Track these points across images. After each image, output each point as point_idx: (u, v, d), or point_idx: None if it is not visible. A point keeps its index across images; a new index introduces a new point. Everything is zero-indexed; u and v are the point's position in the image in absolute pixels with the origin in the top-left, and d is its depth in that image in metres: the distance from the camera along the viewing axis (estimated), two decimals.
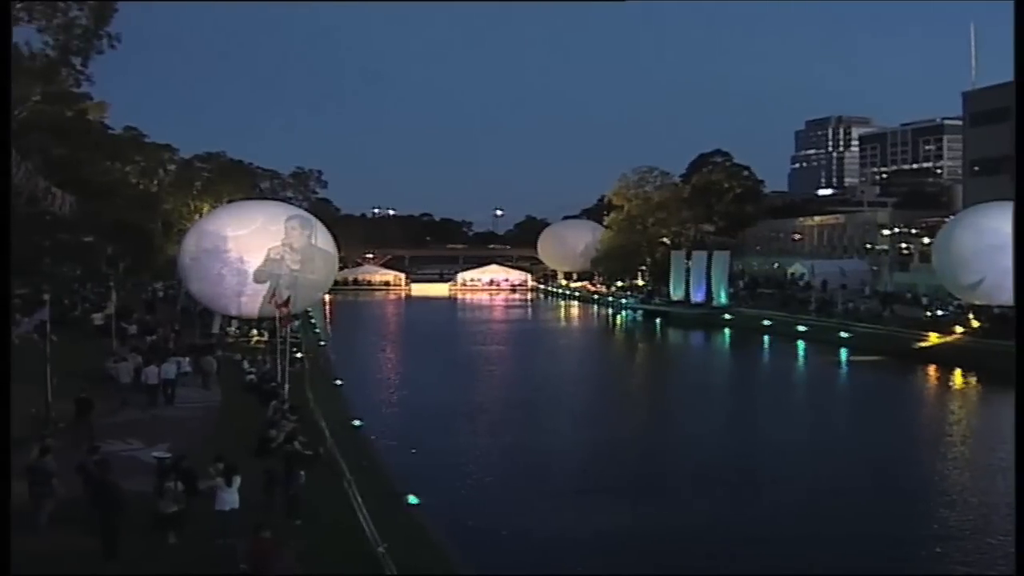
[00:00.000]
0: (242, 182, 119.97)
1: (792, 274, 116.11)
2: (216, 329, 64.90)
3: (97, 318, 63.89)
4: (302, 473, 25.30)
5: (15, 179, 25.66)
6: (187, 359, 47.04)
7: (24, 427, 31.05)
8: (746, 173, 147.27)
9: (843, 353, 73.10)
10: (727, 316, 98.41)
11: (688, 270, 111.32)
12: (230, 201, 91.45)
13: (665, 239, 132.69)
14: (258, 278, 60.28)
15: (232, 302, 62.38)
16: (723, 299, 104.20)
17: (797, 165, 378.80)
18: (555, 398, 55.74)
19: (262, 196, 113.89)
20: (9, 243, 16.56)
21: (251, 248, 61.17)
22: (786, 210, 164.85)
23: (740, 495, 33.61)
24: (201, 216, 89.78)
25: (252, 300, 61.04)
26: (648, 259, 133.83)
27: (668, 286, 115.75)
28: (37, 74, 63.96)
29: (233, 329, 65.33)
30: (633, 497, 33.21)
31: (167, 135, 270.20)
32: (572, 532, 28.70)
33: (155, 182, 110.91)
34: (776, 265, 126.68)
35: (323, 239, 65.15)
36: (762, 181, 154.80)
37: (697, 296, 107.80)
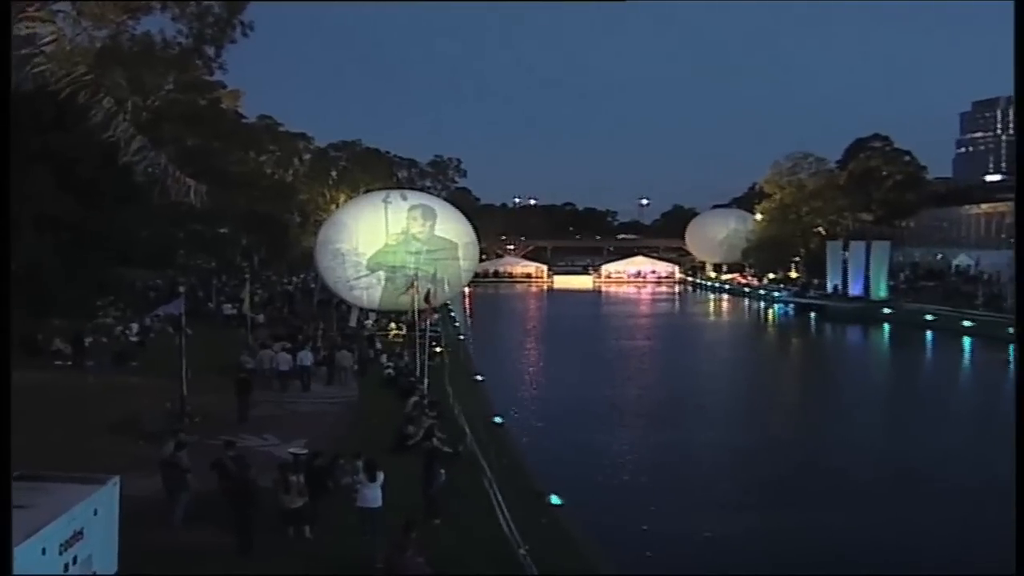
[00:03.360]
0: (379, 171, 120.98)
1: (957, 266, 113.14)
2: (353, 322, 65.66)
3: (227, 308, 65.37)
4: (443, 472, 25.37)
5: (142, 164, 26.13)
6: (311, 349, 48.15)
7: (159, 421, 31.96)
8: (907, 158, 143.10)
9: (1012, 350, 70.75)
10: (886, 310, 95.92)
11: (845, 262, 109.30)
12: (367, 191, 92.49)
13: (820, 229, 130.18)
14: (372, 267, 61.18)
15: (346, 294, 63.43)
16: (882, 292, 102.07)
17: (963, 150, 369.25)
18: (703, 396, 54.83)
19: (399, 185, 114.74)
20: (9, 242, 16.98)
21: (364, 239, 62.05)
22: (951, 197, 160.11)
23: (901, 508, 32.22)
24: (338, 207, 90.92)
25: (363, 292, 61.93)
26: (802, 250, 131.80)
27: (823, 278, 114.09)
28: (170, 63, 65.50)
29: (371, 322, 66.00)
30: (781, 504, 32.23)
31: (302, 123, 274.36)
32: (718, 539, 28.02)
33: (290, 172, 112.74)
34: (939, 256, 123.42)
35: (463, 229, 65.55)
36: (924, 167, 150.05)
37: (854, 289, 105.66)
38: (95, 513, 16.85)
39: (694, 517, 30.31)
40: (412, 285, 55.41)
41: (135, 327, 55.21)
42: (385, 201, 66.21)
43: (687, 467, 37.48)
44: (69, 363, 45.83)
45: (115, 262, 54.02)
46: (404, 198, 67.30)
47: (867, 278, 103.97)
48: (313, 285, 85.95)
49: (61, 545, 15.52)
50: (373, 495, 21.84)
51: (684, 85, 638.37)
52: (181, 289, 46.56)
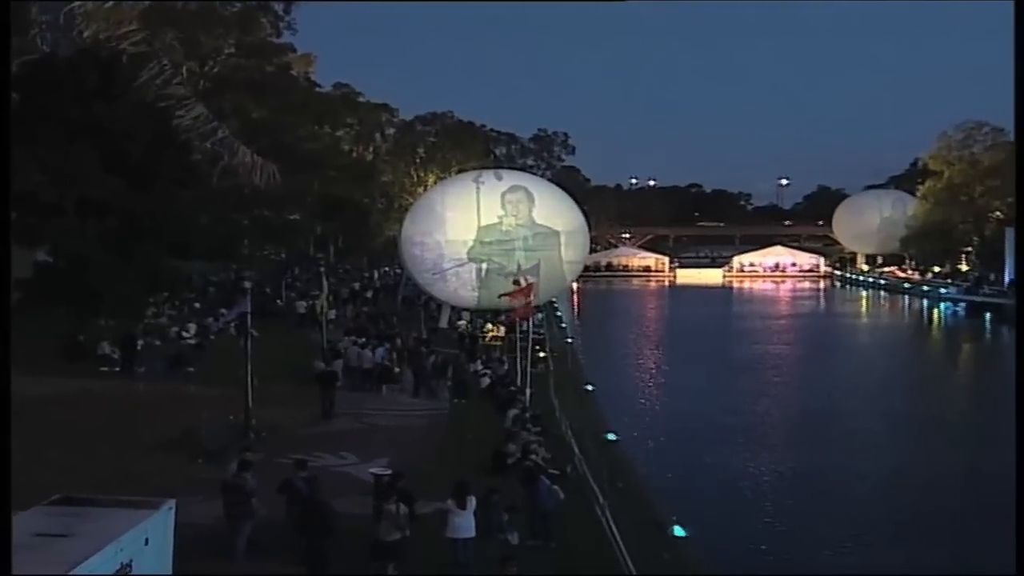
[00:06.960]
0: (473, 148, 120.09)
1: None
2: (444, 322, 65.68)
3: (300, 306, 65.86)
4: (559, 490, 25.27)
5: (200, 140, 26.42)
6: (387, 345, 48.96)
7: (220, 437, 32.20)
8: None
9: None
10: None
11: None
12: (459, 170, 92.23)
13: (998, 213, 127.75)
14: (463, 260, 61.46)
15: (434, 290, 63.65)
16: None
17: None
18: (852, 413, 53.75)
19: (498, 164, 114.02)
20: (9, 240, 17.30)
21: (454, 226, 62.21)
22: None
23: None
24: (426, 189, 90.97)
25: (453, 288, 62.11)
26: (975, 238, 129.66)
27: (1000, 272, 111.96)
28: (231, 23, 65.57)
29: (464, 322, 65.98)
30: (944, 543, 31.73)
31: (385, 93, 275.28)
32: None
33: (371, 149, 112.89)
34: None
35: (569, 215, 65.35)
36: None
37: None
38: (146, 543, 16.95)
39: (840, 556, 30.05)
40: (515, 282, 55.31)
41: (192, 328, 55.60)
42: (477, 182, 66.21)
43: (833, 498, 36.88)
44: (117, 369, 45.95)
45: (170, 253, 54.63)
46: (499, 178, 67.31)
47: None
48: (390, 282, 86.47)
49: None
50: (465, 523, 21.76)
51: (829, 45, 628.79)
52: (247, 285, 46.73)
